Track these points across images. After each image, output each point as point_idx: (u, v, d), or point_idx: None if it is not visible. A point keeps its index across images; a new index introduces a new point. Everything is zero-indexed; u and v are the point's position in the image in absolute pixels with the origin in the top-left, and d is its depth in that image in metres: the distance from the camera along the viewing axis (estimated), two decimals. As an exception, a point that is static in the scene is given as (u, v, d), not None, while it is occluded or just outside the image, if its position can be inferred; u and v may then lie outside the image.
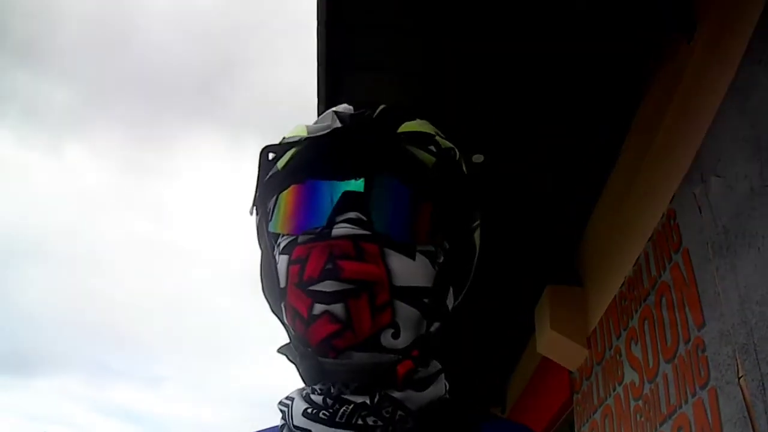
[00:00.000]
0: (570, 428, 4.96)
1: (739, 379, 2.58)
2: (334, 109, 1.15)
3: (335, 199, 1.04)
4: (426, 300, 1.05)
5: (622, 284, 4.01)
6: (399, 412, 1.01)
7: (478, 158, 3.84)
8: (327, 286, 1.00)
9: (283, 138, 1.16)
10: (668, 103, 3.34)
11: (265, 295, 1.13)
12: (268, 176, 1.14)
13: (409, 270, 1.03)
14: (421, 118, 1.16)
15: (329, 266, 1.00)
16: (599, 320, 4.41)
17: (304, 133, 1.11)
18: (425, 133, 1.11)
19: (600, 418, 4.29)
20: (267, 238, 1.13)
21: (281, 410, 1.09)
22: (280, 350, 1.11)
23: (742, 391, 2.56)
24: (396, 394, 1.01)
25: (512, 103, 3.63)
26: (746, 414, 2.51)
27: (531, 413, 6.02)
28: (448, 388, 1.12)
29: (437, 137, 1.13)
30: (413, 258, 1.04)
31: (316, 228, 1.03)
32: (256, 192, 1.15)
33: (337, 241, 1.01)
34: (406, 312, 1.03)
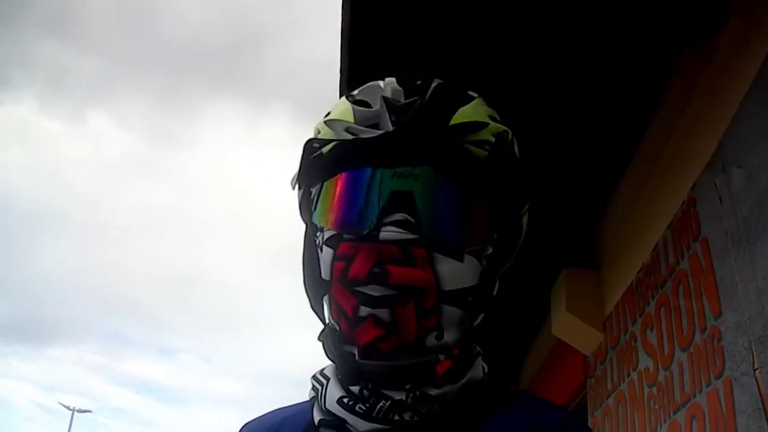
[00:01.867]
0: (583, 412, 4.96)
1: (755, 370, 2.58)
2: (382, 90, 1.11)
3: (383, 200, 1.02)
4: (471, 298, 1.05)
5: (639, 270, 4.00)
6: (436, 407, 1.01)
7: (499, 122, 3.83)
8: (373, 290, 0.99)
9: (327, 114, 1.13)
10: (692, 92, 3.32)
11: (305, 283, 1.13)
12: (312, 155, 1.11)
13: (457, 273, 1.02)
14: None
15: (376, 270, 0.99)
16: (615, 305, 4.40)
17: (350, 119, 1.08)
18: (477, 122, 1.07)
19: (613, 403, 4.29)
20: (310, 224, 1.12)
21: (314, 386, 1.09)
22: (320, 338, 1.12)
23: (757, 382, 2.56)
24: (433, 392, 1.01)
25: (533, 86, 3.61)
26: (761, 406, 2.51)
27: (544, 395, 6.00)
28: (486, 370, 1.12)
29: (491, 123, 1.10)
30: (461, 260, 1.03)
31: (363, 229, 1.02)
32: (300, 169, 1.13)
33: (384, 245, 1.00)
34: (451, 314, 1.03)
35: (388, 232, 0.99)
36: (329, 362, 1.12)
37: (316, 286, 1.09)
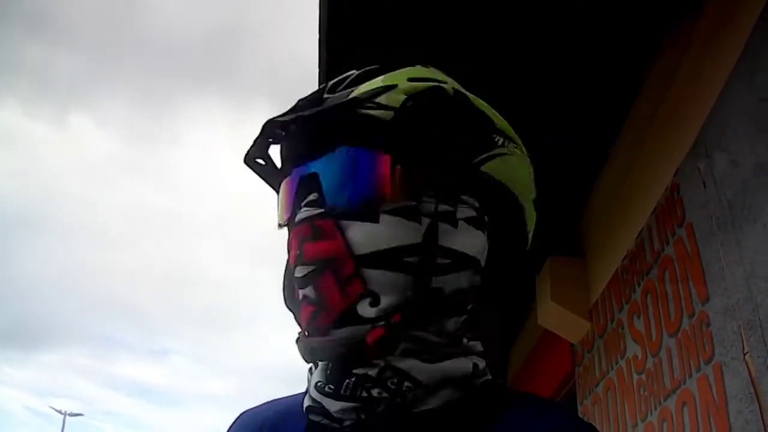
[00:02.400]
0: (572, 401, 4.96)
1: (744, 355, 2.58)
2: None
3: (296, 186, 1.06)
4: (410, 259, 1.00)
5: (625, 257, 4.00)
6: (406, 383, 0.98)
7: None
8: (299, 271, 1.02)
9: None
10: (674, 76, 3.32)
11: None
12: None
13: (372, 235, 1.00)
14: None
15: (298, 251, 1.02)
16: (601, 293, 4.40)
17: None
18: (381, 87, 1.05)
19: (602, 391, 4.29)
20: None
21: (308, 377, 1.09)
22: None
23: (747, 367, 2.55)
24: (400, 364, 0.98)
25: (513, 75, 3.59)
26: (752, 390, 2.50)
27: (533, 386, 6.02)
28: (482, 367, 1.07)
29: (407, 84, 1.07)
30: (376, 221, 1.00)
31: (286, 220, 1.07)
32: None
33: (299, 226, 1.03)
34: (381, 278, 0.99)
35: (301, 213, 1.03)
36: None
37: (289, 282, 1.11)
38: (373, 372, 0.98)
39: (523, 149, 1.19)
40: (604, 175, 4.33)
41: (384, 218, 1.00)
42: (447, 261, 1.03)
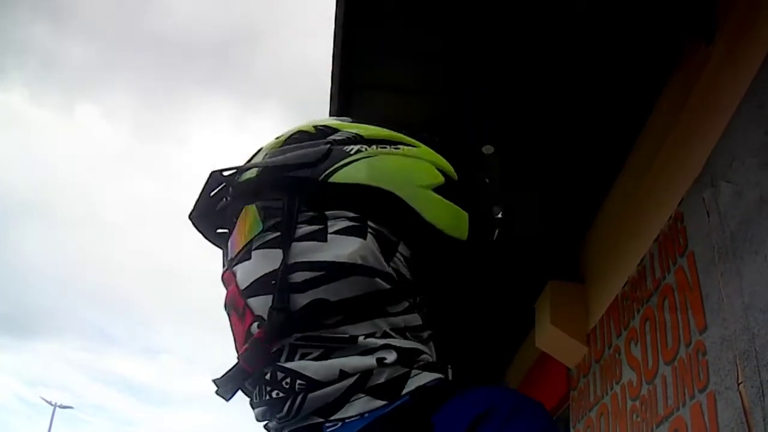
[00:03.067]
0: (565, 425, 4.97)
1: (738, 385, 2.59)
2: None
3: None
4: (273, 281, 1.08)
5: (625, 284, 4.02)
6: (299, 381, 1.03)
7: (488, 149, 3.83)
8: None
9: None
10: (683, 106, 3.34)
11: None
12: None
13: (248, 271, 1.11)
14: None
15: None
16: (600, 318, 4.41)
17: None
18: (259, 151, 1.22)
19: (595, 416, 4.30)
20: None
21: None
22: None
23: (741, 397, 2.57)
24: (288, 364, 1.04)
25: (525, 98, 3.63)
26: (744, 420, 2.52)
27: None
28: (390, 360, 1.05)
29: (283, 145, 1.19)
30: (249, 257, 1.12)
31: None
32: None
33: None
34: (259, 302, 1.09)
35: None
36: None
37: None
38: (268, 371, 1.04)
39: (408, 145, 1.18)
40: (608, 201, 4.34)
41: (254, 254, 1.12)
42: (320, 273, 1.08)
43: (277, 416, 1.06)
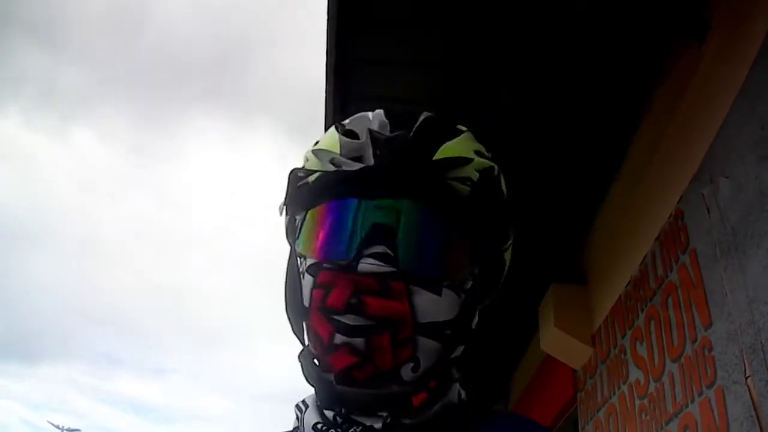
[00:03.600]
0: (574, 426, 4.96)
1: (746, 378, 2.60)
2: (369, 122, 1.14)
3: (364, 231, 1.03)
4: (448, 331, 1.06)
5: (628, 283, 4.02)
6: None
7: (486, 157, 3.82)
8: (350, 319, 1.01)
9: (316, 143, 1.16)
10: (678, 104, 3.36)
11: (286, 308, 1.14)
12: (297, 184, 1.14)
13: (433, 306, 1.04)
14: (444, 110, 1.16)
15: (353, 301, 1.01)
16: (604, 319, 4.42)
17: (336, 149, 1.11)
18: (461, 158, 1.09)
19: (604, 416, 4.30)
20: (293, 252, 1.14)
21: (296, 413, 1.13)
22: (299, 357, 1.13)
23: (749, 391, 2.57)
24: (407, 421, 1.03)
25: (520, 98, 3.63)
26: (753, 414, 2.52)
27: (534, 411, 6.02)
28: (463, 396, 1.13)
29: (476, 158, 1.11)
30: (439, 294, 1.04)
31: (343, 260, 1.03)
32: (286, 196, 1.16)
33: (363, 277, 1.01)
34: (427, 346, 1.04)
35: (367, 265, 1.01)
36: (311, 388, 1.14)
37: (297, 312, 1.11)
38: (378, 425, 1.02)
39: None
40: (608, 202, 4.35)
41: (444, 291, 1.05)
42: (466, 334, 1.10)
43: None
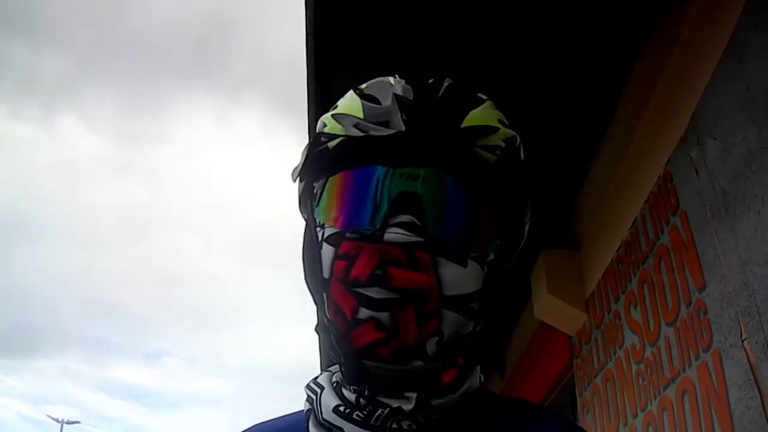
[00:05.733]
0: (571, 393, 4.98)
1: (743, 341, 2.58)
2: (393, 89, 1.08)
3: (390, 200, 0.99)
4: (473, 304, 1.03)
5: (619, 247, 4.01)
6: (434, 416, 0.99)
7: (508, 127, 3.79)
8: (375, 292, 0.97)
9: (335, 107, 1.11)
10: (663, 66, 3.32)
11: (305, 279, 1.10)
12: (317, 149, 1.08)
13: (459, 278, 1.00)
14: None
15: (378, 272, 0.97)
16: (597, 284, 4.41)
17: (359, 114, 1.06)
18: (489, 126, 1.07)
19: (601, 382, 4.30)
20: (311, 220, 1.09)
21: (309, 396, 1.07)
22: (317, 329, 1.10)
23: (746, 353, 2.56)
24: (435, 401, 0.99)
25: (504, 63, 3.59)
26: (751, 377, 2.51)
27: (531, 379, 6.04)
28: (483, 379, 1.10)
29: (501, 128, 1.09)
30: (465, 266, 1.01)
31: (368, 230, 0.99)
32: (304, 161, 1.10)
33: (388, 246, 0.97)
34: (452, 319, 1.01)
35: (393, 234, 0.97)
36: (310, 368, 1.11)
37: (317, 284, 1.07)
38: (407, 407, 0.97)
39: None
40: (596, 166, 4.33)
41: (470, 264, 1.02)
42: (490, 308, 1.07)
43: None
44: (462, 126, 1.04)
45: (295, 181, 1.13)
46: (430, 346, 0.99)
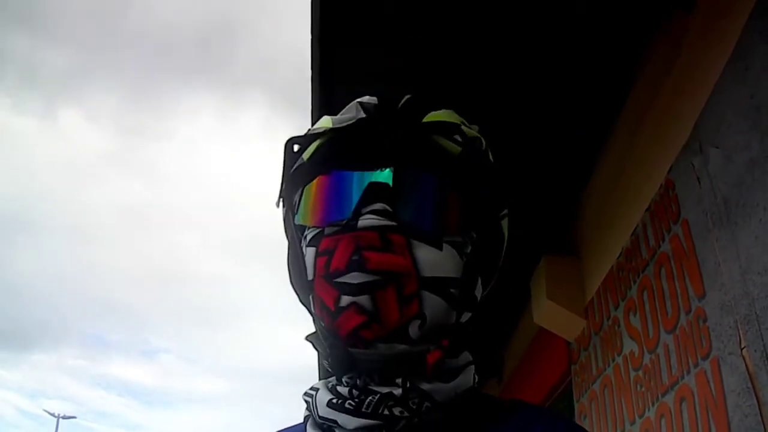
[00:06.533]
0: (569, 399, 4.97)
1: (741, 349, 2.59)
2: (359, 100, 1.15)
3: (360, 191, 1.03)
4: (453, 290, 1.05)
5: (620, 255, 4.01)
6: (426, 403, 1.01)
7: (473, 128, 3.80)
8: (353, 278, 1.00)
9: (308, 130, 1.16)
10: (667, 73, 3.32)
11: (293, 287, 1.13)
12: (293, 168, 1.14)
13: (436, 260, 1.03)
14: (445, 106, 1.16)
15: (355, 257, 1.00)
16: (596, 290, 4.41)
17: (329, 125, 1.11)
18: (451, 122, 1.11)
19: (599, 388, 4.30)
20: (294, 231, 1.13)
21: (306, 401, 1.10)
22: (308, 338, 1.12)
23: (744, 361, 2.56)
24: (424, 386, 1.01)
25: (508, 69, 3.59)
26: (749, 385, 2.51)
27: (529, 384, 6.04)
28: (477, 380, 1.11)
29: (463, 126, 1.12)
30: (440, 248, 1.04)
31: (342, 220, 1.03)
32: (282, 184, 1.16)
33: (363, 232, 1.01)
34: (433, 302, 1.03)
35: (366, 220, 1.01)
36: (308, 367, 1.13)
37: (303, 288, 1.10)
38: (397, 392, 1.00)
39: None
40: (598, 173, 4.33)
41: (445, 247, 1.05)
42: (471, 299, 1.10)
43: None
44: (423, 120, 1.10)
45: (278, 206, 1.18)
46: (413, 329, 1.01)
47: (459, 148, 1.09)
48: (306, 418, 1.11)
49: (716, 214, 2.82)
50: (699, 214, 2.98)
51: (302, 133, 1.16)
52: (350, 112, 1.13)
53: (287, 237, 1.16)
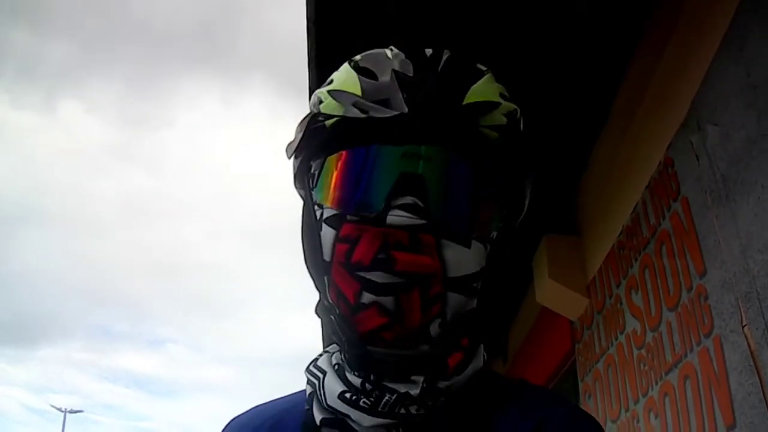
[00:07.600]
0: (573, 378, 4.98)
1: (743, 327, 2.59)
2: (390, 64, 1.05)
3: (391, 181, 0.96)
4: (476, 284, 1.02)
5: (621, 233, 4.01)
6: (442, 398, 0.99)
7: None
8: (378, 276, 0.95)
9: (330, 82, 1.08)
10: (663, 51, 3.31)
11: (305, 260, 1.07)
12: (314, 126, 1.05)
13: (463, 260, 0.99)
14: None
15: (382, 256, 0.95)
16: (598, 269, 4.41)
17: (357, 91, 1.02)
18: (490, 102, 1.04)
19: (603, 367, 4.31)
20: (309, 198, 1.07)
21: (310, 381, 1.06)
22: (317, 311, 1.08)
23: (746, 339, 2.56)
24: (441, 384, 0.99)
25: (505, 49, 3.56)
26: (752, 362, 2.52)
27: (533, 364, 6.04)
28: (486, 358, 1.09)
29: (502, 102, 1.06)
30: (469, 246, 0.99)
31: (369, 213, 0.97)
32: (301, 138, 1.07)
33: (392, 230, 0.95)
34: (455, 301, 1.00)
35: (395, 217, 0.95)
36: (320, 352, 1.10)
37: (317, 267, 1.04)
38: (414, 391, 0.96)
39: None
40: (598, 152, 4.32)
41: (473, 244, 1.00)
42: (491, 288, 1.06)
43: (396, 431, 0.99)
44: (464, 103, 1.02)
45: (290, 157, 1.11)
46: (434, 328, 0.98)
47: (497, 135, 1.02)
48: (310, 395, 1.06)
49: (715, 192, 2.81)
50: (698, 192, 2.98)
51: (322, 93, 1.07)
52: (380, 74, 1.03)
53: (300, 195, 1.10)
